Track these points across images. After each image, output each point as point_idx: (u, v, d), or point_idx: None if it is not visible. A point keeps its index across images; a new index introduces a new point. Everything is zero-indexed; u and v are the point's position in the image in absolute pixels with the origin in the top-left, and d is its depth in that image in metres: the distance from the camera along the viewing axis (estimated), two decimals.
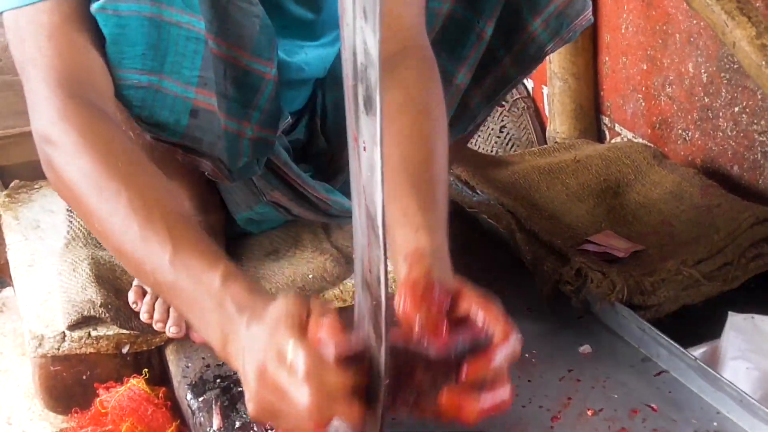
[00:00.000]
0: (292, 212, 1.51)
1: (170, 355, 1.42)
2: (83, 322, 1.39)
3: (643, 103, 2.12)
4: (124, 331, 1.40)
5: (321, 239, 1.58)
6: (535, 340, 1.46)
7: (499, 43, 1.46)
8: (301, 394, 0.86)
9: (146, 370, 1.41)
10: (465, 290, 0.96)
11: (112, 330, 1.40)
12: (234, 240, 1.57)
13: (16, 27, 1.13)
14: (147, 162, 1.10)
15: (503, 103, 2.42)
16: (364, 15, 0.75)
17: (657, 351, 1.40)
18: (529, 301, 1.57)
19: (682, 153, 2.02)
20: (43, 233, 1.67)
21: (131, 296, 1.40)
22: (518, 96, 2.45)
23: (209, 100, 1.24)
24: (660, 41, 2.02)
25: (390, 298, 0.85)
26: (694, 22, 1.90)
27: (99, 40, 1.15)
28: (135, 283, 1.42)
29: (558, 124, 2.27)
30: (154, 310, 1.38)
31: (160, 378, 1.43)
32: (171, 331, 1.38)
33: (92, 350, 1.40)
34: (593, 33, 2.22)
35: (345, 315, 1.44)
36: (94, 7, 1.13)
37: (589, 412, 1.30)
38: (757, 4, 1.67)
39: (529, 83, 2.47)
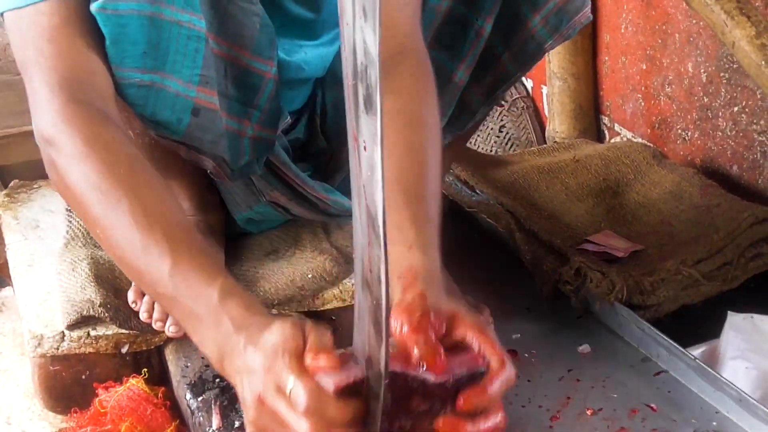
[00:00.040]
0: (292, 212, 1.51)
1: (169, 354, 1.42)
2: (82, 321, 1.39)
3: (643, 103, 2.12)
4: (124, 331, 1.40)
5: (320, 239, 1.58)
6: (534, 340, 1.46)
7: (499, 40, 1.46)
8: (300, 427, 0.88)
9: (145, 369, 1.41)
10: (459, 315, 0.97)
11: (112, 330, 1.40)
12: (234, 240, 1.57)
13: (17, 28, 1.13)
14: (149, 168, 1.11)
15: (502, 102, 2.41)
16: (364, 14, 0.75)
17: (656, 351, 1.40)
18: (528, 300, 1.57)
19: (682, 153, 2.02)
20: (42, 233, 1.67)
21: (131, 296, 1.40)
22: (517, 96, 2.45)
23: (211, 99, 1.25)
24: (659, 41, 2.02)
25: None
26: (694, 21, 1.90)
27: (99, 41, 1.15)
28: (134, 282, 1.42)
29: (557, 124, 2.27)
30: (153, 309, 1.38)
31: (159, 378, 1.42)
32: (170, 330, 1.37)
33: (91, 350, 1.40)
34: (593, 33, 2.22)
35: (345, 315, 1.45)
36: (93, 7, 1.13)
37: (589, 412, 1.30)
38: (757, 4, 1.67)
39: (528, 83, 2.47)
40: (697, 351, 1.38)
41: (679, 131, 2.02)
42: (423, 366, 0.91)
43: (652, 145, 2.04)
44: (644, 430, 1.27)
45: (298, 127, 1.53)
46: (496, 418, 0.93)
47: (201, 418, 1.29)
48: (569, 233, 1.65)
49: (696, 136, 1.98)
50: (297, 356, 0.91)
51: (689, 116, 1.98)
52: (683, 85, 1.98)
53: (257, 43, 1.27)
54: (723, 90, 1.87)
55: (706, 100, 1.92)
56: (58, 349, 1.39)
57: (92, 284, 1.43)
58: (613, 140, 2.22)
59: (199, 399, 1.31)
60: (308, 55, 1.43)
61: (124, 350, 1.41)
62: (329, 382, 0.88)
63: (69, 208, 1.64)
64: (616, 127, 2.22)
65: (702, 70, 1.91)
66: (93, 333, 1.40)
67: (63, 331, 1.39)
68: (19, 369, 1.53)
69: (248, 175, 1.40)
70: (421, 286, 0.98)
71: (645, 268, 1.53)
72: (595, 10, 2.17)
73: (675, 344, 1.37)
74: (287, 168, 1.42)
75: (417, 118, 1.15)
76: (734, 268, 1.56)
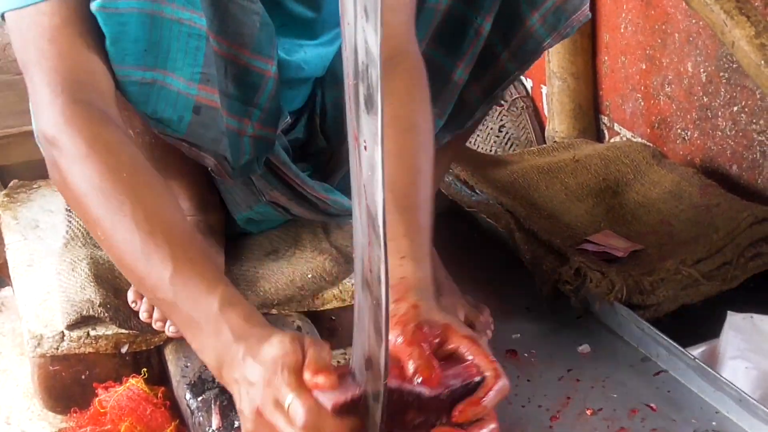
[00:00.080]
0: (292, 212, 1.51)
1: (169, 354, 1.42)
2: (82, 321, 1.39)
3: (642, 103, 2.12)
4: (123, 331, 1.40)
5: (320, 239, 1.58)
6: (534, 340, 1.46)
7: (498, 39, 1.46)
8: None
9: (145, 369, 1.41)
10: (452, 326, 0.97)
11: (111, 329, 1.40)
12: (234, 240, 1.57)
13: (18, 28, 1.13)
14: (150, 169, 1.11)
15: (502, 102, 2.41)
16: (365, 14, 0.75)
17: (656, 350, 1.40)
18: (528, 300, 1.57)
19: (681, 152, 2.02)
20: (42, 233, 1.67)
21: (130, 295, 1.40)
22: (517, 95, 2.45)
23: (212, 97, 1.25)
24: (659, 41, 2.02)
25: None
26: (693, 21, 1.90)
27: (100, 40, 1.15)
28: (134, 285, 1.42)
29: (557, 124, 2.27)
30: (153, 309, 1.38)
31: (159, 377, 1.42)
32: (170, 330, 1.37)
33: (91, 350, 1.40)
34: (592, 32, 2.22)
35: (345, 315, 1.45)
36: (94, 6, 1.13)
37: (589, 412, 1.30)
38: (756, 4, 1.67)
39: (528, 83, 2.47)
40: (696, 351, 1.38)
41: (679, 131, 2.02)
42: (418, 379, 0.91)
43: (651, 144, 2.04)
44: (644, 430, 1.27)
45: (298, 127, 1.53)
46: (490, 427, 0.93)
47: (201, 418, 1.29)
48: (569, 233, 1.65)
49: (695, 135, 1.98)
50: (296, 371, 0.91)
51: (689, 116, 1.98)
52: (683, 85, 1.98)
53: (257, 42, 1.27)
54: (722, 90, 1.87)
55: (705, 99, 1.92)
56: (57, 349, 1.39)
57: (92, 284, 1.42)
58: (612, 140, 2.22)
59: (199, 399, 1.31)
60: (308, 55, 1.43)
61: (123, 350, 1.41)
62: (327, 399, 0.89)
63: (68, 208, 1.64)
64: (616, 127, 2.22)
65: (701, 70, 1.92)
66: (93, 333, 1.40)
67: (63, 331, 1.39)
68: (18, 369, 1.53)
69: (249, 174, 1.40)
70: (414, 298, 0.98)
71: (645, 268, 1.53)
72: (594, 9, 2.17)
73: (675, 344, 1.37)
74: (287, 168, 1.42)
75: (410, 124, 1.15)
76: (734, 268, 1.57)
